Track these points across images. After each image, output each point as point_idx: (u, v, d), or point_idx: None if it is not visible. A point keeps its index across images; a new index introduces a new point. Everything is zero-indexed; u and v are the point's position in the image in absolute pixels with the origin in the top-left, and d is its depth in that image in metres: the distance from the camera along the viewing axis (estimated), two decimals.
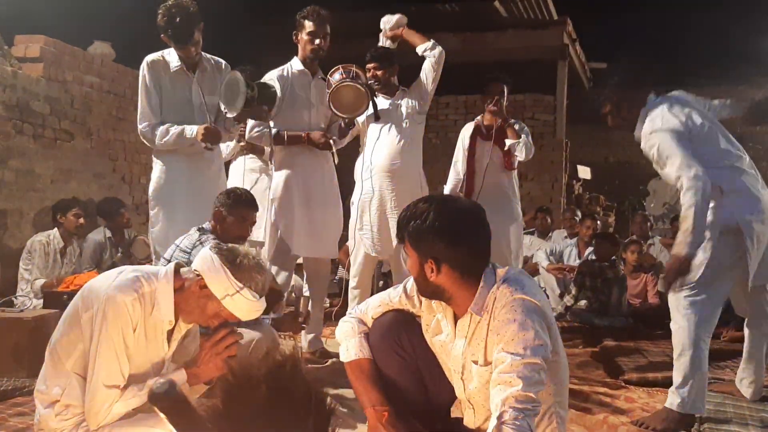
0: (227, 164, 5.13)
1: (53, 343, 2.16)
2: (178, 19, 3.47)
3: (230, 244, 2.30)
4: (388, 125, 4.18)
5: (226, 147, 4.81)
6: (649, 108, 3.01)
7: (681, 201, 2.79)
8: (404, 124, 4.19)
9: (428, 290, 2.08)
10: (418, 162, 4.28)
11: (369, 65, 4.19)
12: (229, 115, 3.64)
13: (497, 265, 2.10)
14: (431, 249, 1.98)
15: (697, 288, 2.86)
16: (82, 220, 5.35)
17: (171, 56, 3.67)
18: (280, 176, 4.04)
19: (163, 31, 3.53)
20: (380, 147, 4.19)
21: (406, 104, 4.22)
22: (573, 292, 5.52)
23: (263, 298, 2.22)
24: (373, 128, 4.22)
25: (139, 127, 3.68)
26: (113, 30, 7.36)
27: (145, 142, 3.72)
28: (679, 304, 2.90)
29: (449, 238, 1.98)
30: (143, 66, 3.66)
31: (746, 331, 3.18)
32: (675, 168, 2.80)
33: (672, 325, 2.94)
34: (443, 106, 10.22)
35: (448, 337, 2.13)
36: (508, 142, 4.46)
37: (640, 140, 3.02)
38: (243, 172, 4.95)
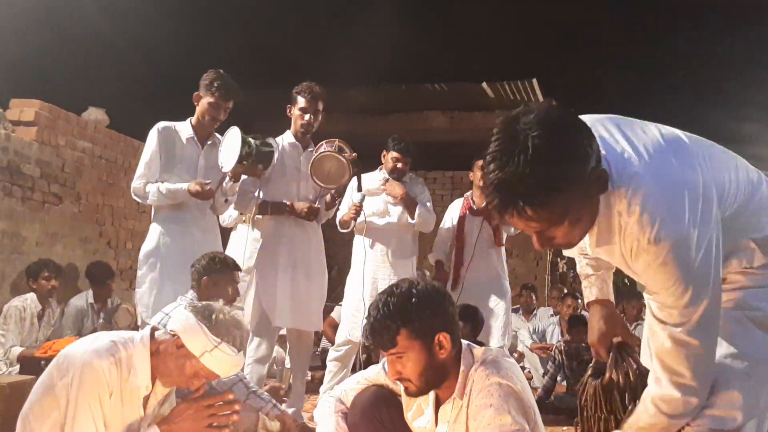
0: (228, 231, 5.15)
1: (26, 411, 2.11)
2: (228, 80, 3.79)
3: (205, 302, 2.30)
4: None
5: (228, 217, 4.92)
6: None
7: None
8: (397, 214, 4.37)
9: (437, 376, 2.00)
10: (413, 246, 4.44)
11: (394, 155, 4.38)
12: (224, 169, 3.68)
13: (473, 344, 2.10)
14: (437, 321, 1.97)
15: None
16: (54, 282, 5.25)
17: (182, 126, 3.83)
18: (265, 245, 4.02)
19: (211, 86, 3.74)
20: (378, 232, 4.35)
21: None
22: (550, 370, 5.39)
23: (242, 353, 2.20)
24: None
25: (134, 184, 3.76)
26: (108, 96, 7.51)
27: (135, 198, 3.80)
28: None
29: (443, 304, 2.00)
30: (155, 130, 3.78)
31: None
32: None
33: None
34: (431, 182, 10.35)
35: (429, 424, 2.11)
36: None
37: None
38: (246, 241, 4.91)
